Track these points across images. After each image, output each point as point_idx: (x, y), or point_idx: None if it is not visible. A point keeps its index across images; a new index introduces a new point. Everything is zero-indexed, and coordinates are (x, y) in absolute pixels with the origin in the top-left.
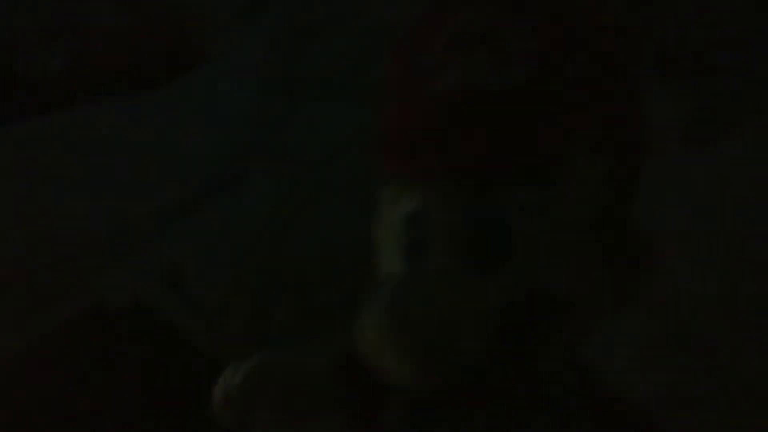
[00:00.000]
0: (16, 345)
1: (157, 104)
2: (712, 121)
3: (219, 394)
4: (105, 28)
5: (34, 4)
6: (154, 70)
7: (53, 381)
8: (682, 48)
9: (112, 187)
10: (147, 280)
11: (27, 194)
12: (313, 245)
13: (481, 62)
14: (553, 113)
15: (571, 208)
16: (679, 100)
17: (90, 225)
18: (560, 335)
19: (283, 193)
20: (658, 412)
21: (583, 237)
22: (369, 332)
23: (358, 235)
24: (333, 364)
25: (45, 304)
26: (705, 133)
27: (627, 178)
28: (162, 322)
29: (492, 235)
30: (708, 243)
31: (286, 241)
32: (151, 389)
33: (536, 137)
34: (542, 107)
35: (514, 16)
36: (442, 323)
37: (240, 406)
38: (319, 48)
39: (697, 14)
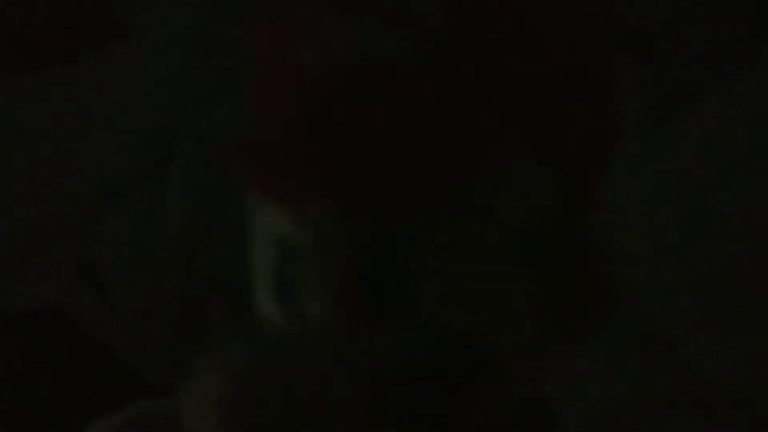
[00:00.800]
0: None
1: (67, 82)
2: (664, 101)
3: None
4: None
5: None
6: (65, 43)
7: None
8: (624, 30)
9: (19, 177)
10: (58, 282)
11: None
12: (247, 240)
13: (373, 24)
14: (482, 102)
15: (501, 232)
16: (628, 81)
17: None
18: (493, 391)
19: (213, 182)
20: (624, 413)
21: (516, 266)
22: (193, 413)
23: None
24: None
25: None
26: (659, 113)
27: (585, 185)
28: (75, 328)
29: (385, 272)
30: (674, 233)
31: (216, 236)
32: (60, 400)
33: (455, 141)
34: (465, 93)
35: None
36: (308, 398)
37: None
38: None
39: None
